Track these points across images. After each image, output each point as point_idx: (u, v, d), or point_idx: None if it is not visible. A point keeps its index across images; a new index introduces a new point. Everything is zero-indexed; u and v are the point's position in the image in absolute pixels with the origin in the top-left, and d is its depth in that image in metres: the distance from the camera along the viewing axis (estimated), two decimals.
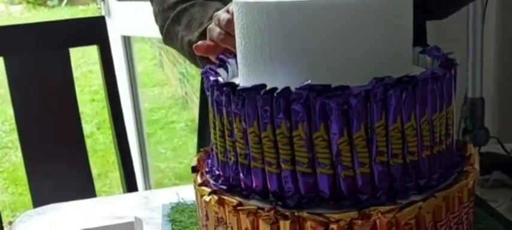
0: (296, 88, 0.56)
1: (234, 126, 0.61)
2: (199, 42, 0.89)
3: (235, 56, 0.72)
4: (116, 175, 3.19)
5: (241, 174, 0.62)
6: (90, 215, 0.98)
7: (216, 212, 0.63)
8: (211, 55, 0.87)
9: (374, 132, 0.57)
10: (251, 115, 0.59)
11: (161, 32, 1.12)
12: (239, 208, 0.60)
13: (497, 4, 1.73)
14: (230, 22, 0.81)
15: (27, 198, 1.99)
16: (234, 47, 0.71)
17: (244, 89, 0.59)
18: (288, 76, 0.61)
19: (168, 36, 1.10)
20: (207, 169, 0.70)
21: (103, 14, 2.43)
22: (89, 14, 5.39)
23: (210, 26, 0.88)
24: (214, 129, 0.65)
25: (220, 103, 0.62)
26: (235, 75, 0.74)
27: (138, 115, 2.58)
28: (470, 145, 0.70)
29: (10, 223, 1.73)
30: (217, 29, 0.85)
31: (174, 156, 3.66)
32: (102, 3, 2.48)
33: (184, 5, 1.07)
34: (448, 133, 0.64)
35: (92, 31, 1.42)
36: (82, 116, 1.47)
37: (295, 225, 0.57)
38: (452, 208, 0.61)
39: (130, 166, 1.46)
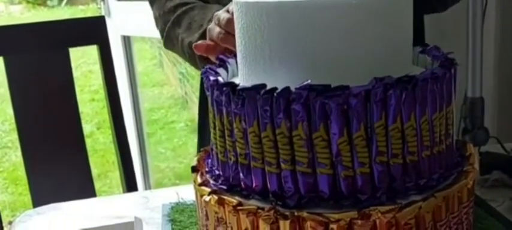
0: (296, 88, 0.56)
1: (234, 125, 0.61)
2: (199, 42, 0.89)
3: (235, 56, 0.72)
4: (115, 175, 3.20)
5: (241, 174, 0.62)
6: (90, 215, 0.98)
7: (216, 212, 0.63)
8: (211, 55, 0.87)
9: (374, 131, 0.57)
10: (251, 115, 0.59)
11: (162, 35, 1.13)
12: (239, 208, 0.60)
13: (497, 4, 1.73)
14: (230, 21, 0.81)
15: (27, 198, 1.99)
16: (234, 46, 0.71)
17: (244, 89, 0.59)
18: (288, 76, 0.61)
19: (169, 40, 1.10)
20: (207, 169, 0.70)
21: (103, 13, 2.43)
22: (89, 14, 5.39)
23: (210, 25, 0.88)
24: (214, 128, 0.65)
25: (220, 103, 0.62)
26: (235, 75, 0.74)
27: (138, 115, 2.58)
28: (470, 145, 0.70)
29: (10, 222, 1.73)
30: (217, 29, 0.85)
31: (174, 156, 3.66)
32: (102, 3, 2.48)
33: (184, 8, 1.07)
34: (447, 133, 0.64)
35: (92, 31, 1.42)
36: (82, 116, 1.47)
37: (295, 225, 0.57)
38: (452, 208, 0.61)
39: (130, 166, 1.46)
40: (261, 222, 0.58)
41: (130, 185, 1.45)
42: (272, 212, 0.58)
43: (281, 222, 0.58)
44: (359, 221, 0.56)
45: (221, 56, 0.75)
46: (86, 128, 3.87)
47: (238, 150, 0.62)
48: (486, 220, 0.82)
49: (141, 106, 2.61)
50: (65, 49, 1.39)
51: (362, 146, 0.57)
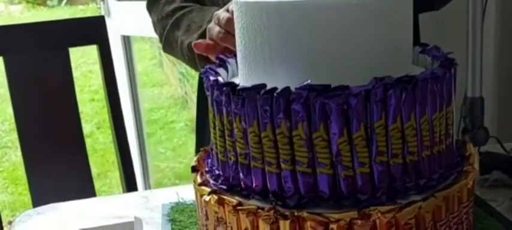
0: (296, 88, 0.56)
1: (234, 125, 0.61)
2: (199, 40, 0.89)
3: (235, 56, 0.72)
4: (115, 175, 3.19)
5: (241, 174, 0.62)
6: (90, 215, 0.98)
7: (216, 212, 0.63)
8: (211, 54, 0.87)
9: (374, 131, 0.57)
10: (251, 115, 0.59)
11: (161, 40, 1.13)
12: (239, 207, 0.60)
13: (497, 3, 1.73)
14: (230, 21, 0.81)
15: (27, 198, 1.99)
16: (234, 45, 0.71)
17: (244, 89, 0.59)
18: (288, 76, 0.61)
19: (168, 43, 1.10)
20: (207, 169, 0.70)
21: (103, 13, 2.43)
22: (89, 14, 5.39)
23: (210, 25, 0.88)
24: (214, 128, 0.65)
25: (220, 103, 0.62)
26: (235, 75, 0.74)
27: (138, 115, 2.58)
28: (470, 144, 0.70)
29: (10, 222, 1.73)
30: (217, 28, 0.85)
31: (174, 156, 3.66)
32: (101, 3, 2.48)
33: (182, 11, 1.07)
34: (447, 133, 0.64)
35: (92, 31, 1.42)
36: (82, 116, 1.47)
37: (295, 225, 0.57)
38: (452, 207, 0.61)
39: (130, 165, 1.46)
40: (261, 222, 0.58)
41: (130, 185, 1.45)
42: (272, 212, 0.58)
43: (281, 222, 0.58)
44: (359, 221, 0.56)
45: (221, 56, 0.75)
46: (86, 128, 3.87)
47: (238, 149, 0.62)
48: (486, 220, 0.82)
49: (141, 106, 2.61)
50: (65, 49, 1.39)
51: (362, 146, 0.57)
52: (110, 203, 1.04)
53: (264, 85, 0.58)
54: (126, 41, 2.49)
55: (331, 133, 0.56)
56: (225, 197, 0.62)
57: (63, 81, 1.40)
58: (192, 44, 0.89)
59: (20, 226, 0.96)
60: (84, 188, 1.42)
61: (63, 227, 0.96)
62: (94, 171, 1.79)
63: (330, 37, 0.59)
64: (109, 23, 1.73)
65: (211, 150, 0.69)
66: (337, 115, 0.56)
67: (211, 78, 0.65)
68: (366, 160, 0.57)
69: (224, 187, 0.65)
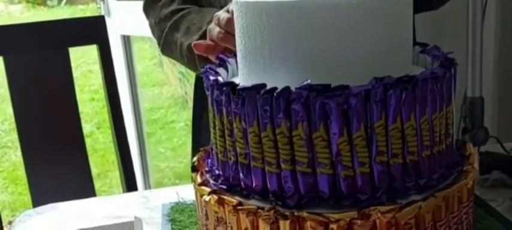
0: (296, 88, 0.56)
1: (234, 125, 0.61)
2: (199, 41, 0.89)
3: (235, 56, 0.72)
4: (115, 175, 3.19)
5: (241, 174, 0.62)
6: (90, 215, 0.98)
7: (216, 212, 0.63)
8: (211, 55, 0.87)
9: (374, 131, 0.57)
10: (251, 114, 0.59)
11: (159, 42, 1.12)
12: (239, 207, 0.60)
13: (497, 3, 1.73)
14: (230, 21, 0.81)
15: (27, 198, 1.99)
16: (234, 46, 0.71)
17: (244, 89, 0.59)
18: (288, 76, 0.61)
19: (167, 46, 1.09)
20: (207, 169, 0.70)
21: (102, 13, 2.43)
22: (89, 14, 5.39)
23: (210, 26, 0.88)
24: (214, 128, 0.65)
25: (220, 102, 0.62)
26: (235, 75, 0.74)
27: (138, 114, 2.58)
28: (470, 144, 0.70)
29: (10, 222, 1.73)
30: (217, 28, 0.85)
31: (174, 156, 3.66)
32: (101, 3, 2.48)
33: (181, 13, 1.07)
34: (447, 133, 0.64)
35: (92, 31, 1.42)
36: (82, 116, 1.47)
37: (295, 225, 0.57)
38: (452, 207, 0.61)
39: (130, 165, 1.46)
40: (261, 222, 0.58)
41: (130, 185, 1.45)
42: (272, 212, 0.58)
43: (281, 222, 0.58)
44: (359, 221, 0.56)
45: (221, 56, 0.75)
46: (86, 128, 3.87)
47: (238, 149, 0.62)
48: (486, 219, 0.82)
49: (140, 106, 2.61)
50: (65, 49, 1.39)
51: (362, 146, 0.57)
52: (109, 203, 1.04)
53: (264, 85, 0.58)
54: (126, 40, 2.49)
55: (331, 133, 0.56)
56: (225, 197, 0.62)
57: (63, 80, 1.40)
58: (192, 45, 0.89)
59: (20, 226, 0.96)
60: (84, 188, 1.42)
61: (63, 227, 0.96)
62: (94, 170, 1.79)
63: (330, 37, 0.59)
64: (109, 23, 1.73)
65: (211, 149, 0.69)
66: (337, 115, 0.56)
67: (211, 77, 0.65)
68: (366, 160, 0.57)
69: (224, 187, 0.65)
